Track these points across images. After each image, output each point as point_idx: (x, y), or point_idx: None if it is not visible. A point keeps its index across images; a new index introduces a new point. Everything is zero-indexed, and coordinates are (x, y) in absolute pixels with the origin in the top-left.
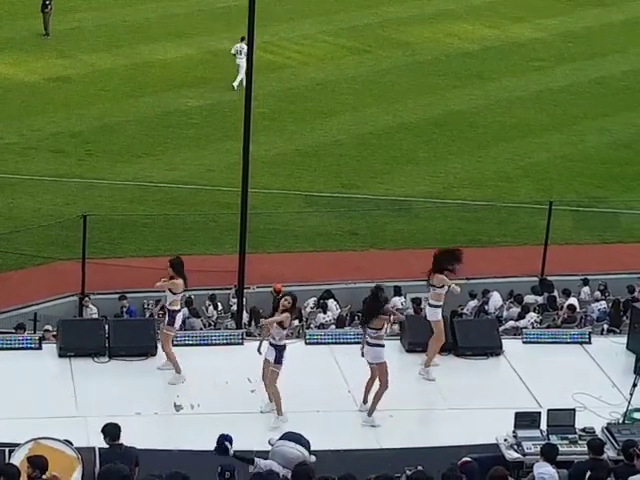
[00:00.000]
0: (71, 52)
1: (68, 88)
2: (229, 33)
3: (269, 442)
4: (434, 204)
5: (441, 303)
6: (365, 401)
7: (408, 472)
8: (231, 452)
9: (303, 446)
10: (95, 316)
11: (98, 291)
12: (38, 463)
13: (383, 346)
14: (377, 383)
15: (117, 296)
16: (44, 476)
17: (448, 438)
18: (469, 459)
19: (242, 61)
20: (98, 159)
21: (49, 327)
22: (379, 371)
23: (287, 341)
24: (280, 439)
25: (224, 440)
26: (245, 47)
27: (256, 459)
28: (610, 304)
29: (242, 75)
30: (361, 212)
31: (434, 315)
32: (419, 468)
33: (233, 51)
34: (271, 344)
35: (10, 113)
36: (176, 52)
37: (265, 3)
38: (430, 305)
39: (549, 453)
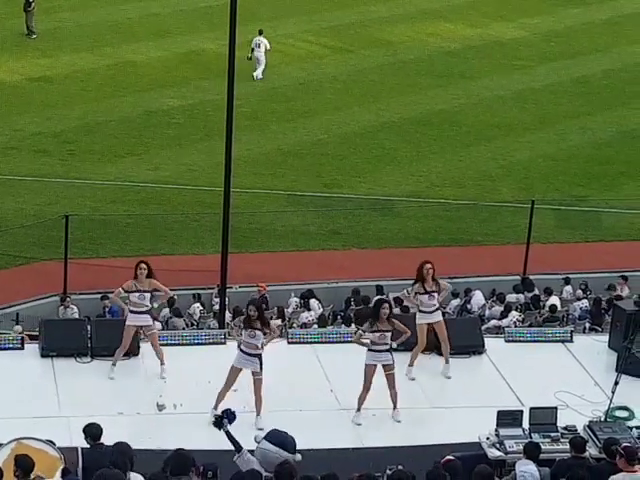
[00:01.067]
0: (53, 52)
1: (50, 88)
2: (211, 33)
3: (255, 439)
4: (416, 203)
5: (423, 309)
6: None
7: (389, 471)
8: (225, 428)
9: (286, 447)
10: (76, 316)
11: (80, 291)
12: (22, 463)
13: (370, 350)
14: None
15: (99, 296)
16: (29, 477)
17: (431, 437)
18: (452, 457)
19: (260, 54)
20: (80, 159)
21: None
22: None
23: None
24: (264, 438)
25: (226, 415)
26: (264, 40)
27: (244, 450)
28: (592, 302)
29: (262, 66)
30: (343, 211)
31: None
32: (399, 467)
33: (253, 45)
34: (252, 354)
35: None
36: (158, 52)
37: (247, 2)
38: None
39: (532, 452)
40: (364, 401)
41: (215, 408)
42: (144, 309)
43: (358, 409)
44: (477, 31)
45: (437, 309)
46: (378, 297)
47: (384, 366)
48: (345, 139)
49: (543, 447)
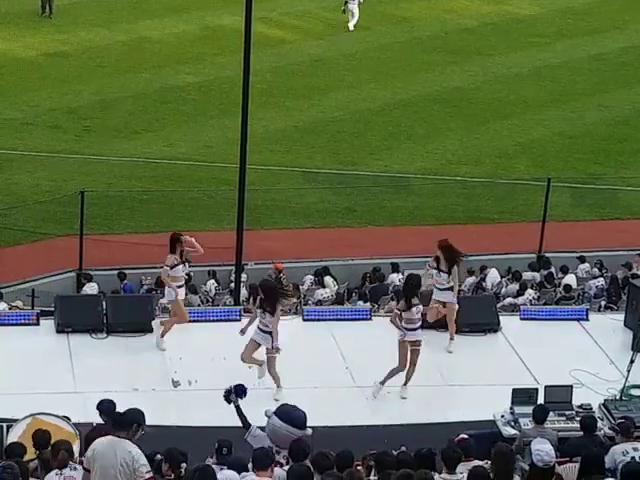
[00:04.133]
0: (68, 28)
1: (65, 64)
2: (227, 8)
3: (265, 413)
4: (432, 181)
5: (436, 285)
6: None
7: (394, 452)
8: (236, 403)
9: (295, 423)
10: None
11: (96, 267)
12: (40, 439)
13: (407, 329)
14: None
15: (114, 272)
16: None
17: (446, 414)
18: (466, 436)
19: (354, 6)
20: (96, 135)
21: (19, 303)
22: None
23: (282, 320)
24: (274, 413)
25: (235, 390)
26: None
27: (253, 426)
28: (608, 280)
29: (356, 19)
30: (359, 189)
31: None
32: (402, 449)
33: None
34: (265, 331)
35: (7, 89)
36: (174, 28)
37: None
38: None
39: (539, 413)
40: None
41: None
42: (183, 282)
43: (405, 383)
44: (494, 7)
45: (448, 289)
46: (409, 273)
47: (413, 341)
48: (361, 116)
49: (558, 425)
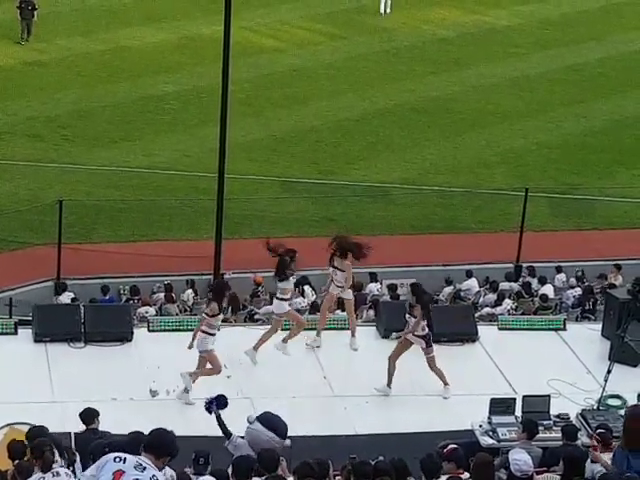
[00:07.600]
0: (47, 36)
1: (44, 72)
2: (206, 18)
3: (248, 419)
4: (410, 190)
5: None
6: None
7: (371, 462)
8: (216, 413)
9: (278, 431)
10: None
11: (73, 276)
12: (15, 450)
13: None
14: None
15: (92, 281)
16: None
17: (424, 424)
18: (455, 446)
19: None
20: (74, 144)
21: None
22: None
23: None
24: (257, 419)
25: (216, 400)
26: None
27: (234, 435)
28: (582, 291)
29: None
30: (338, 198)
31: None
32: (380, 458)
33: None
34: None
35: None
36: (153, 37)
37: None
38: None
39: (531, 426)
40: None
41: None
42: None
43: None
44: (472, 18)
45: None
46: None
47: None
48: (339, 126)
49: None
